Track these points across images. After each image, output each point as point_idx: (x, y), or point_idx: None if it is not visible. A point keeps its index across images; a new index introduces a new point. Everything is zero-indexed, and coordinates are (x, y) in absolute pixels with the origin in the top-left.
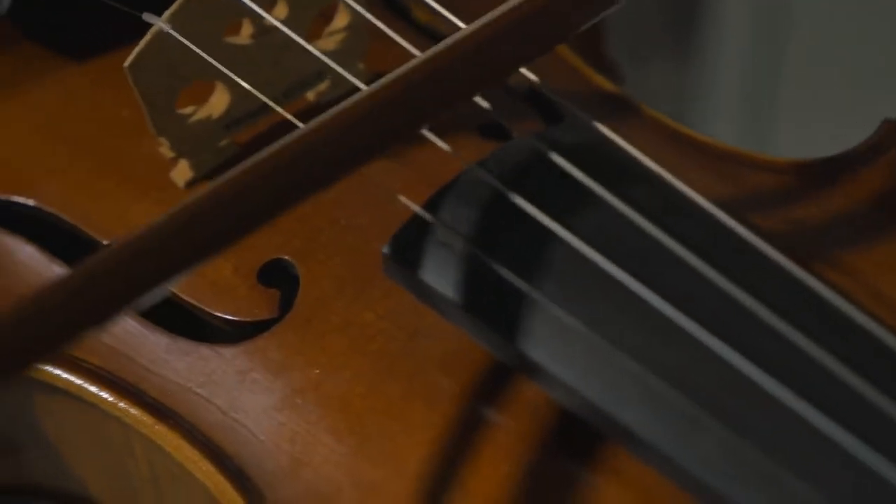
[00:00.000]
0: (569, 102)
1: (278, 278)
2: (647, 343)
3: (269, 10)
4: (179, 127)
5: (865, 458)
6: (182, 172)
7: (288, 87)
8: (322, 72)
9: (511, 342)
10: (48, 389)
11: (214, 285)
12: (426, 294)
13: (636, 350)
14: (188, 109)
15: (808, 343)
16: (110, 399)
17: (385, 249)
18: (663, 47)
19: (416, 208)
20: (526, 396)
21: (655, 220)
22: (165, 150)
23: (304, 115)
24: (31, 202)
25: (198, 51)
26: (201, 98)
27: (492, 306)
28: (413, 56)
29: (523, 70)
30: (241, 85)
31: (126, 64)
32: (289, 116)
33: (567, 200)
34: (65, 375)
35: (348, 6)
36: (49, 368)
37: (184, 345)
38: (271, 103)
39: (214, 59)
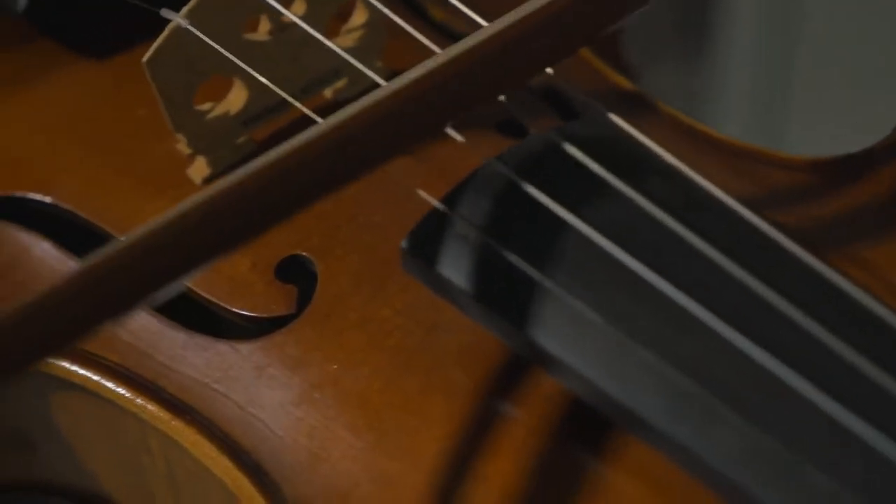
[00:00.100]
0: (587, 98)
1: (296, 274)
2: (664, 334)
3: (286, 6)
4: (197, 123)
5: (885, 449)
6: (199, 169)
7: (306, 84)
8: (339, 69)
9: (529, 334)
10: (64, 385)
11: (232, 281)
12: (444, 288)
13: (653, 340)
14: (206, 106)
15: (827, 335)
16: (128, 395)
17: (403, 244)
18: (674, 48)
19: (434, 202)
20: (543, 389)
21: (673, 213)
22: (183, 147)
23: (322, 113)
24: (47, 199)
25: (216, 46)
26: (219, 95)
27: (510, 298)
28: (432, 54)
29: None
30: (258, 81)
31: (144, 60)
32: (308, 112)
33: (585, 194)
34: (82, 371)
35: (366, 3)
36: (66, 364)
37: (201, 341)
38: (290, 98)
39: (232, 55)
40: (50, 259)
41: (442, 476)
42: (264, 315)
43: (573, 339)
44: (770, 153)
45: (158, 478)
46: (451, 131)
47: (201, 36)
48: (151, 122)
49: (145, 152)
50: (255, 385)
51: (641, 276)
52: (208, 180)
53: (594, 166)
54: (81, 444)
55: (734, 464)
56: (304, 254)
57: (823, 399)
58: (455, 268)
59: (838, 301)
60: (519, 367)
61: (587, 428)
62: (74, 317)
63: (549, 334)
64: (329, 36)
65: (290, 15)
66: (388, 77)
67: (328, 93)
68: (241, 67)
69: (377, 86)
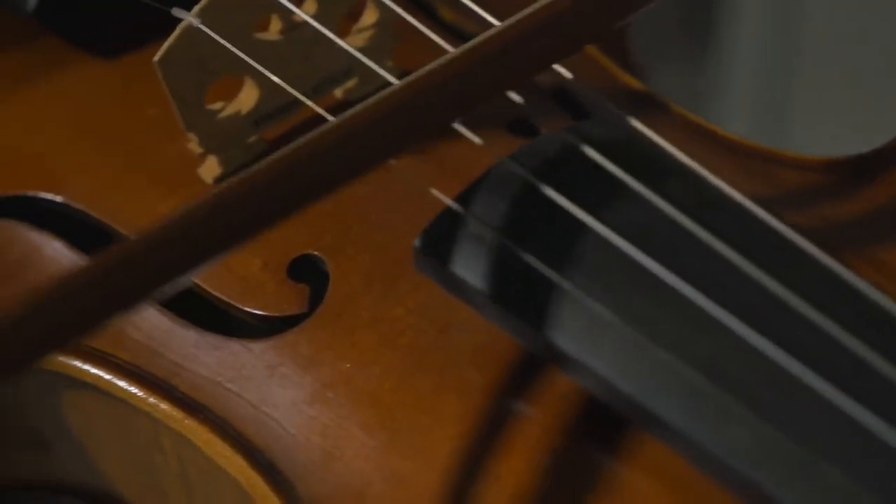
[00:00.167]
0: (599, 97)
1: (308, 274)
2: (682, 333)
3: (298, 5)
4: (208, 122)
5: None
6: (210, 169)
7: (317, 84)
8: (350, 69)
9: (547, 335)
10: (76, 384)
11: (244, 281)
12: (458, 287)
13: (671, 340)
14: (217, 105)
15: (843, 334)
16: (140, 394)
17: (416, 243)
18: (679, 47)
19: (448, 201)
20: (557, 388)
21: (689, 213)
22: (194, 146)
23: (332, 113)
24: (59, 198)
25: (227, 45)
26: (230, 94)
27: (523, 297)
28: (443, 53)
29: (557, 67)
30: (270, 80)
31: (155, 59)
32: (319, 110)
33: (599, 192)
34: (94, 370)
35: (377, 2)
36: (78, 363)
37: (213, 340)
38: (302, 97)
39: (244, 54)
40: (61, 258)
41: (455, 475)
42: (276, 314)
43: (591, 339)
44: (782, 153)
45: (171, 477)
46: (462, 130)
47: (213, 35)
48: (162, 122)
49: (156, 151)
50: (267, 384)
51: (659, 277)
52: (219, 179)
53: (610, 167)
54: (94, 443)
55: (750, 462)
56: (316, 253)
57: (840, 398)
58: (469, 267)
59: (855, 301)
60: (533, 365)
61: (602, 426)
62: (83, 308)
63: (567, 335)
64: (340, 35)
65: (301, 14)
66: (400, 76)
67: (339, 92)
68: (252, 66)
69: (388, 85)
